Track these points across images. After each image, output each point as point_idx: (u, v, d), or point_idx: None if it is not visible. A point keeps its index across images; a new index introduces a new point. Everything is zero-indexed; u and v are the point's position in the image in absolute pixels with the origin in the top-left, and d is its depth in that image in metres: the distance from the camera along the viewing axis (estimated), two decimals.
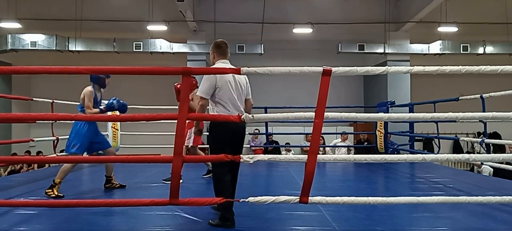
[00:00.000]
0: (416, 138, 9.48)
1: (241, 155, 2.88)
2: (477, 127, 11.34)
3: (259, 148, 9.95)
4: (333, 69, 2.74)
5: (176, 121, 2.77)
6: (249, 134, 9.52)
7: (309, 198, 2.85)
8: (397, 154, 8.28)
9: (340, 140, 9.37)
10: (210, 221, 3.14)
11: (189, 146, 5.30)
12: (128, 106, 8.25)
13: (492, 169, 7.01)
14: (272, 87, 12.11)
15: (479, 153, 10.70)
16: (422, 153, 8.95)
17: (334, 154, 9.13)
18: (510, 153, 7.41)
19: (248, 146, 9.75)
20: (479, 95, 5.45)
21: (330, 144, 9.34)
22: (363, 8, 11.45)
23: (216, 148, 3.12)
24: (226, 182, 3.14)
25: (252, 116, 2.92)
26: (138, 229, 3.09)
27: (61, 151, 8.95)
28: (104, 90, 4.57)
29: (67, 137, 4.36)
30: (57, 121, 5.03)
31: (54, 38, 10.57)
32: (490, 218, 3.37)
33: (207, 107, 3.28)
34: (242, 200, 2.96)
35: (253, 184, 3.28)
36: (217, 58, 3.31)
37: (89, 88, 4.36)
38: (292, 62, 11.29)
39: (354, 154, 9.50)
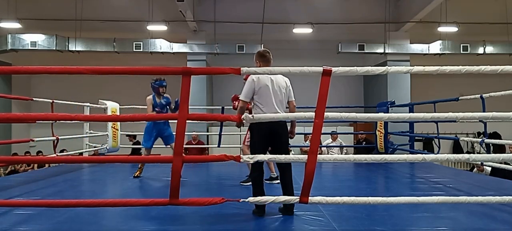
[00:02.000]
0: (416, 138, 9.48)
1: (240, 155, 2.89)
2: (477, 127, 11.34)
3: None
4: (333, 69, 2.74)
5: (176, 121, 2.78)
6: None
7: (309, 198, 2.86)
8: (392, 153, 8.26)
9: (330, 140, 9.32)
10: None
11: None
12: (128, 107, 8.24)
13: (489, 169, 6.97)
14: None
15: (479, 153, 10.69)
16: (422, 153, 8.95)
17: (327, 154, 9.11)
18: (510, 153, 7.40)
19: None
20: (479, 95, 5.45)
21: (323, 144, 9.31)
22: (363, 8, 11.45)
23: (251, 147, 3.44)
24: (255, 181, 3.41)
25: (252, 116, 2.93)
26: (138, 229, 3.09)
27: (61, 151, 8.98)
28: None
29: (67, 136, 4.36)
30: (57, 121, 5.02)
31: (54, 38, 10.58)
32: (490, 218, 3.37)
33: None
34: (242, 200, 2.97)
35: None
36: (261, 66, 3.48)
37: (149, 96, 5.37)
38: (292, 62, 11.19)
39: (354, 153, 9.49)
